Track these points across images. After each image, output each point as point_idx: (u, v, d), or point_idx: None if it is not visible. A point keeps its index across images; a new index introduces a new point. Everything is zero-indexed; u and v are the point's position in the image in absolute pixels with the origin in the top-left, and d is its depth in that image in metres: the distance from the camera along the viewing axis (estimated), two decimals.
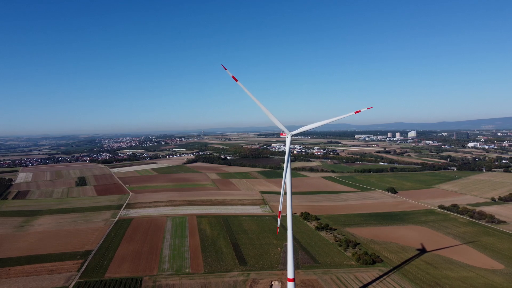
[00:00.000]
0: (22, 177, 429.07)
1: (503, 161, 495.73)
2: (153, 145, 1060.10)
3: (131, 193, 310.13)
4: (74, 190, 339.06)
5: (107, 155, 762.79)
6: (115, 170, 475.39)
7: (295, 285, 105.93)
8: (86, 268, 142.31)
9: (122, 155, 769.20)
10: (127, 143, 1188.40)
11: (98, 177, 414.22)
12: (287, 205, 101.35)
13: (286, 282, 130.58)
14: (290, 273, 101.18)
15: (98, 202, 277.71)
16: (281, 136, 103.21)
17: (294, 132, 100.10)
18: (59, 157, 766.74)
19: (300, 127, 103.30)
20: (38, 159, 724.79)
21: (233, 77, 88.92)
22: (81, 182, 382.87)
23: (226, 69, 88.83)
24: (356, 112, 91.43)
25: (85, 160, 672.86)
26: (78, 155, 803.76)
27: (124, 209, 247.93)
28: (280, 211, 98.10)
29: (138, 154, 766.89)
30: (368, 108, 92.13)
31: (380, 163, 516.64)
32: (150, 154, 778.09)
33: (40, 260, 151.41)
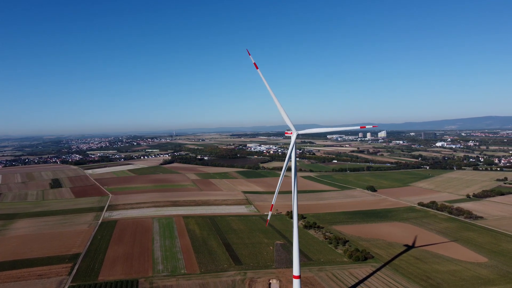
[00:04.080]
0: None
1: (471, 159, 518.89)
2: (125, 146, 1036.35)
3: (111, 195, 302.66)
4: (49, 192, 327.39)
5: (77, 156, 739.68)
6: (89, 171, 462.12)
7: (300, 282, 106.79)
8: (77, 271, 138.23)
9: (93, 156, 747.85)
10: (96, 144, 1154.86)
11: (73, 179, 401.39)
12: (293, 204, 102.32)
13: (283, 280, 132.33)
14: (295, 271, 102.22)
15: (77, 204, 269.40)
16: (286, 134, 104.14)
17: (301, 132, 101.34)
18: (25, 159, 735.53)
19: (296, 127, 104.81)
20: (4, 160, 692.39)
21: (254, 64, 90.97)
22: (56, 184, 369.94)
23: (250, 55, 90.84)
24: (361, 128, 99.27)
25: (55, 162, 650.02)
26: (46, 156, 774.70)
27: (106, 211, 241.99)
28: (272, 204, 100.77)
29: (110, 155, 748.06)
30: (373, 127, 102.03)
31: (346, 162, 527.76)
32: (123, 155, 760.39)
33: (26, 264, 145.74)
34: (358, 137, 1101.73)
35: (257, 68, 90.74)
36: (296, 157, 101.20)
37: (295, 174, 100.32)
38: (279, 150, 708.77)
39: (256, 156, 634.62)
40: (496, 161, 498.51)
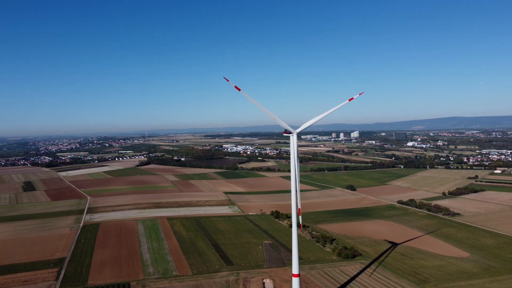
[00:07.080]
0: None
1: (442, 158, 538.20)
2: (96, 148, 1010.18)
3: (89, 197, 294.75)
4: (23, 196, 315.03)
5: (47, 158, 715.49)
6: (63, 173, 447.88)
7: (300, 280, 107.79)
8: (65, 276, 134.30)
9: (63, 158, 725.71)
10: (66, 146, 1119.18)
11: (46, 181, 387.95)
12: (292, 203, 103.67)
13: (277, 280, 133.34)
14: (295, 269, 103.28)
15: (55, 207, 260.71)
16: (284, 135, 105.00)
17: (298, 130, 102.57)
18: None
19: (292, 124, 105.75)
20: None
21: (235, 87, 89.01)
22: (29, 187, 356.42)
23: (228, 81, 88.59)
24: (350, 100, 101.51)
25: (25, 164, 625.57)
26: (13, 158, 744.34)
27: (87, 213, 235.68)
28: (299, 208, 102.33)
29: (82, 157, 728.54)
30: (359, 94, 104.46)
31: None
32: (95, 156, 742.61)
33: (8, 270, 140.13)
34: (332, 137, 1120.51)
35: (239, 90, 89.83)
36: (298, 158, 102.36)
37: (297, 175, 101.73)
38: (256, 151, 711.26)
39: (233, 157, 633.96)
40: (465, 159, 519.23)
